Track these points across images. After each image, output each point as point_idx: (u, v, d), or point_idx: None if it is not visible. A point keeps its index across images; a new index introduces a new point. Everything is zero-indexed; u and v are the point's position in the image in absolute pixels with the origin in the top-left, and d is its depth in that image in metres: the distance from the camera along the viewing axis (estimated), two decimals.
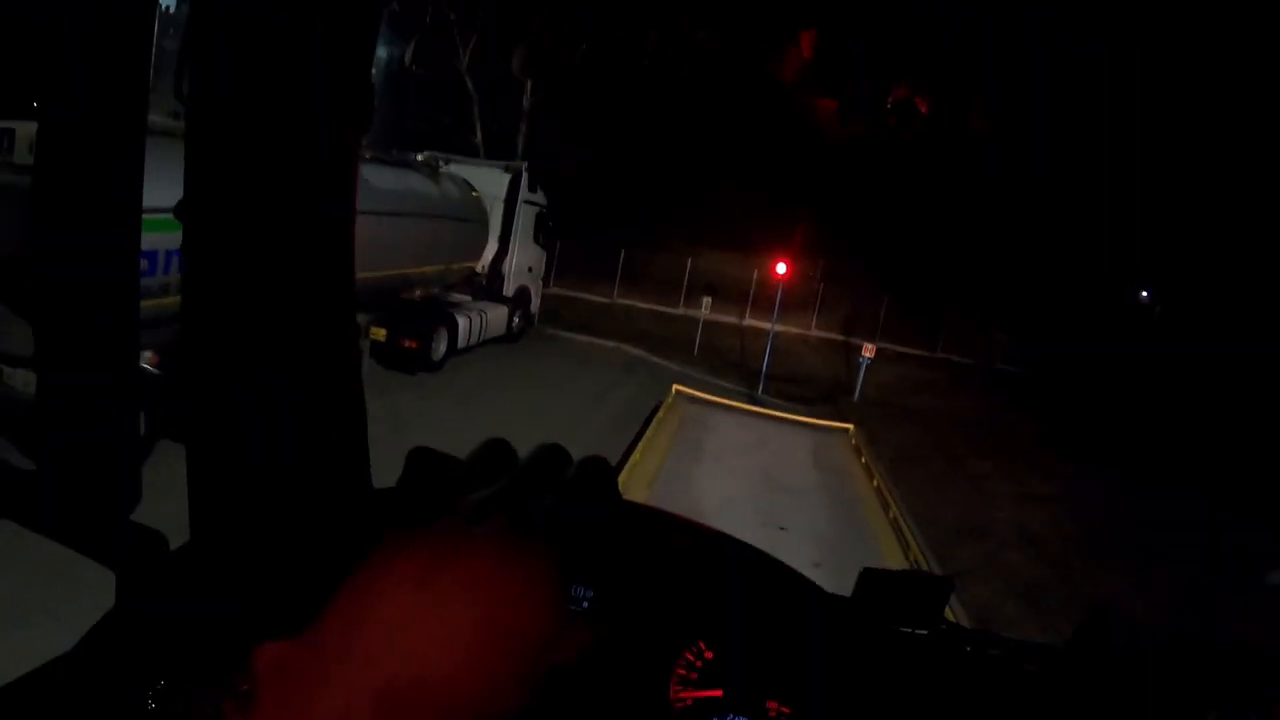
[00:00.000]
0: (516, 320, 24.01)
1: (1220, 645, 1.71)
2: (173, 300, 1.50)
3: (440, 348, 18.93)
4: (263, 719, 0.68)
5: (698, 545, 1.81)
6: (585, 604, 1.66)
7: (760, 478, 14.12)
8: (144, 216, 1.37)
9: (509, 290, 23.45)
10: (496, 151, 34.14)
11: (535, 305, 25.92)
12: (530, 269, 24.54)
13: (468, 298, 22.32)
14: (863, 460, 16.36)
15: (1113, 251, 40.77)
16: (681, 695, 1.63)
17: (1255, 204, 36.62)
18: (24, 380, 9.46)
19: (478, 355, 20.95)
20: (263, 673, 0.70)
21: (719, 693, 1.63)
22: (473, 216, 21.07)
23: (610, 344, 27.43)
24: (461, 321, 19.93)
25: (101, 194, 1.33)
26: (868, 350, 24.29)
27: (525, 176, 23.06)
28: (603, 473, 1.06)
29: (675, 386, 18.60)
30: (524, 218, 23.37)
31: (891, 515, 13.18)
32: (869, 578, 1.85)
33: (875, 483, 14.89)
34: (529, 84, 37.78)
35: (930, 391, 28.25)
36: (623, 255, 35.97)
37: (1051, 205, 42.36)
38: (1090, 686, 1.69)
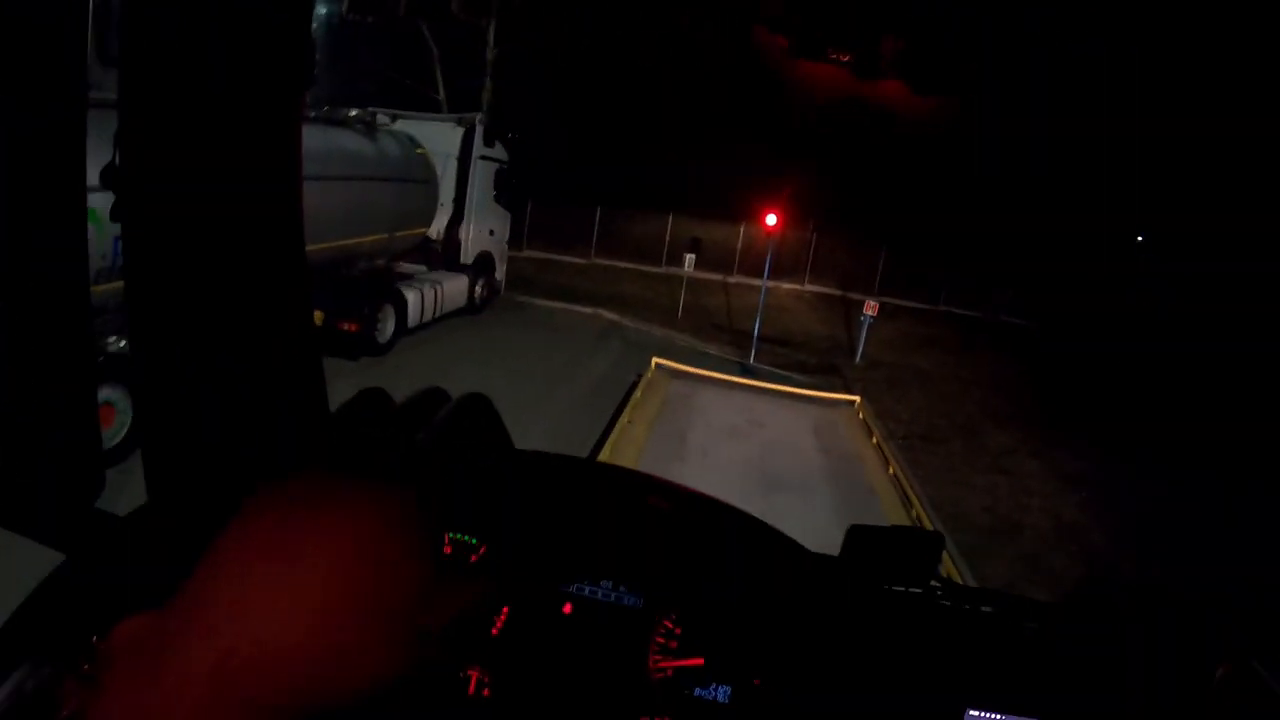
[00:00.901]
0: (479, 290, 21.71)
1: (1225, 604, 1.85)
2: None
3: (386, 328, 16.76)
4: (108, 696, 0.65)
5: (674, 507, 1.82)
6: (471, 555, 1.70)
7: (756, 473, 11.86)
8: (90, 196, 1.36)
9: (468, 257, 21.17)
10: (463, 110, 31.64)
11: (501, 272, 23.47)
12: (492, 232, 22.12)
13: (422, 268, 20.12)
14: (874, 441, 14.09)
15: (1112, 206, 39.65)
16: (661, 665, 1.69)
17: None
18: None
19: (435, 332, 18.67)
20: (115, 649, 0.68)
21: (699, 661, 1.69)
22: (418, 176, 18.62)
23: (586, 309, 25.01)
24: (411, 296, 17.63)
25: (44, 176, 1.33)
26: (870, 307, 21.98)
27: (480, 130, 20.66)
28: (483, 411, 1.18)
29: (655, 359, 16.18)
30: (481, 176, 21.03)
31: (914, 514, 11.07)
32: (857, 535, 1.85)
33: (891, 470, 12.63)
34: (490, 33, 35.12)
35: (936, 348, 26.07)
36: (599, 214, 33.73)
37: (1052, 167, 41.56)
38: (1089, 643, 1.74)
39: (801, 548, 1.78)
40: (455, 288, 20.17)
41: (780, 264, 28.20)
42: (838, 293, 32.84)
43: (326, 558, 0.69)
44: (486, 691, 1.69)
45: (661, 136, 42.34)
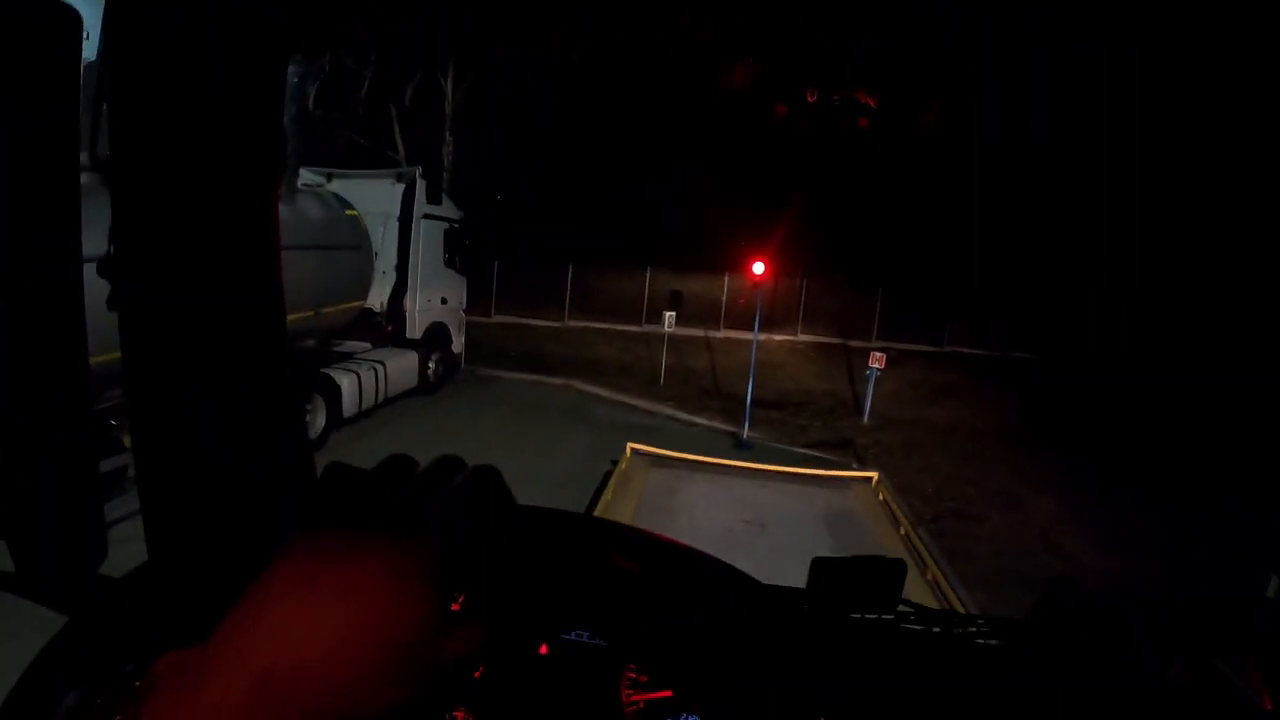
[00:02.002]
0: (433, 366, 19.14)
1: (1181, 600, 1.98)
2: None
3: (316, 421, 14.37)
4: (153, 711, 0.70)
5: (647, 554, 1.88)
6: (452, 603, 1.31)
7: None
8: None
9: (416, 331, 18.54)
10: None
11: (459, 344, 20.83)
12: (445, 300, 19.53)
13: (366, 346, 17.50)
14: (901, 531, 11.43)
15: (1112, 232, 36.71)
16: (633, 699, 1.69)
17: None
18: None
19: (381, 419, 16.19)
20: (160, 673, 0.74)
21: (669, 693, 1.70)
22: (347, 242, 15.97)
23: (557, 381, 22.40)
24: (345, 382, 15.06)
25: (37, 181, 1.35)
26: (875, 359, 19.43)
27: (423, 185, 18.17)
28: (492, 481, 1.08)
29: (630, 446, 13.44)
30: (427, 237, 18.52)
31: None
32: (821, 566, 1.94)
33: (930, 575, 9.94)
34: (449, 85, 32.96)
35: (950, 397, 23.57)
36: (571, 272, 31.20)
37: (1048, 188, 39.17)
38: (1050, 651, 1.87)
39: (757, 583, 1.83)
40: (402, 366, 17.63)
41: (770, 315, 25.91)
42: (835, 341, 30.27)
43: (355, 598, 0.75)
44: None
45: (634, 188, 40.26)
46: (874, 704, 1.65)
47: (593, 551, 1.90)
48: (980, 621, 1.91)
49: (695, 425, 19.14)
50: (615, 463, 12.98)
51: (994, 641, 1.86)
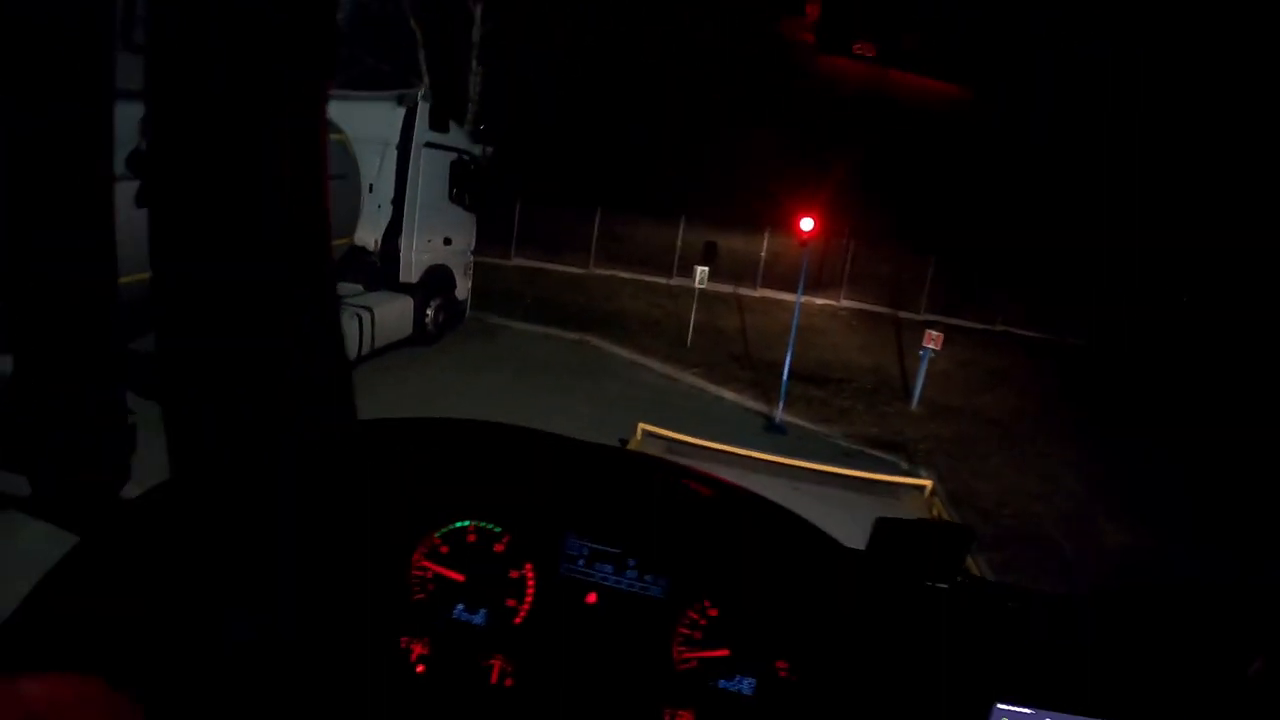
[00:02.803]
0: (431, 314, 17.03)
1: (1259, 592, 1.92)
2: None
3: None
4: None
5: (707, 496, 1.81)
6: (495, 545, 1.86)
7: None
8: None
9: (411, 274, 16.34)
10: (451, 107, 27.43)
11: (464, 289, 18.70)
12: (449, 241, 17.31)
13: (357, 288, 15.40)
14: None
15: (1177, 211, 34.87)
16: (685, 655, 1.75)
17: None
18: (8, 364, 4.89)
19: (362, 375, 13.71)
20: None
21: (725, 652, 1.74)
22: (330, 170, 13.54)
23: (572, 335, 20.14)
24: None
25: (72, 169, 1.48)
26: (931, 339, 17.11)
27: (426, 109, 15.98)
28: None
29: (641, 426, 11.16)
30: (429, 169, 16.25)
31: None
32: (885, 528, 1.84)
33: None
34: (478, 10, 30.55)
35: (1005, 384, 21.26)
36: (599, 216, 28.61)
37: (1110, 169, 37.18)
38: (1119, 636, 1.79)
39: (834, 541, 1.75)
40: (394, 313, 15.62)
41: (813, 276, 23.45)
42: (880, 309, 27.90)
43: None
44: (509, 681, 1.76)
45: (673, 131, 37.78)
46: (937, 675, 1.62)
47: (654, 479, 1.83)
48: (1037, 598, 1.85)
49: (722, 399, 16.97)
50: (623, 444, 10.73)
51: (1052, 618, 1.81)
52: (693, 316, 20.46)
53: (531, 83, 34.40)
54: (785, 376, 15.67)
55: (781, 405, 15.63)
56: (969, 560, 6.59)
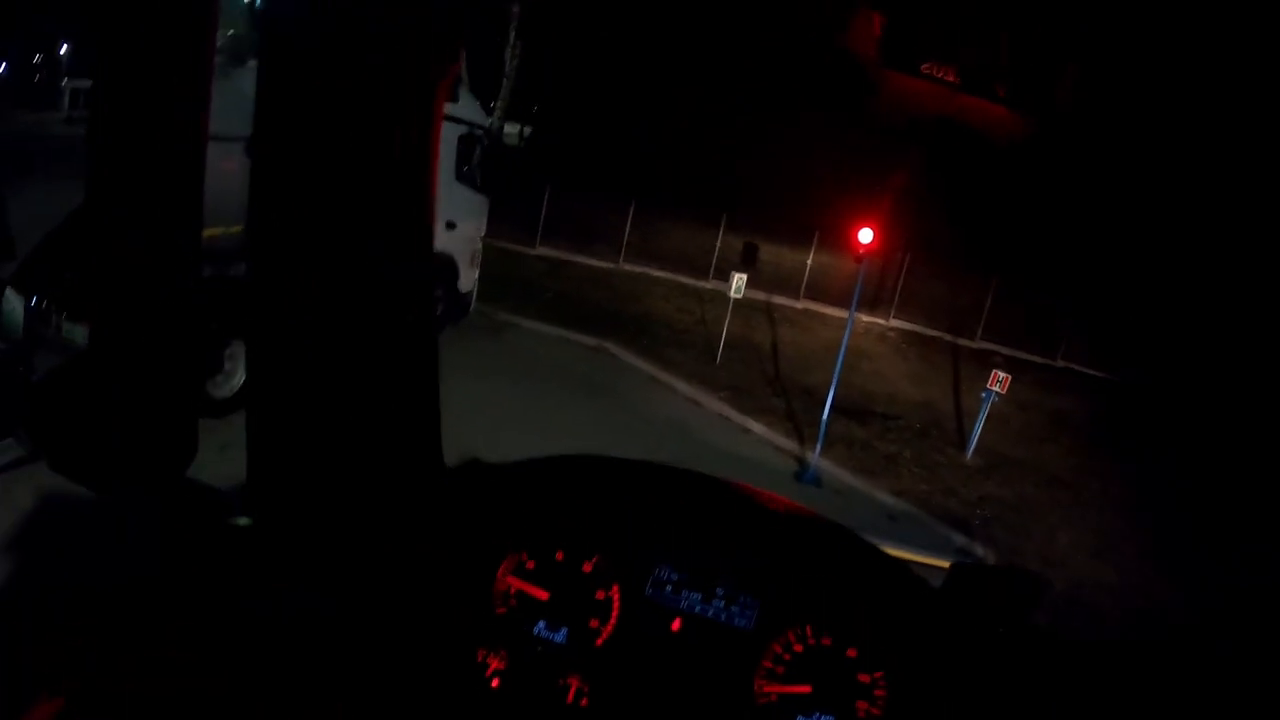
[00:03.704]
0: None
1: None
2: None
3: (235, 376, 10.31)
4: None
5: (800, 527, 1.99)
6: (585, 564, 1.94)
7: None
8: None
9: None
10: (480, 83, 25.36)
11: (469, 280, 16.45)
12: (453, 225, 15.06)
13: None
14: None
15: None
16: (766, 690, 1.79)
17: None
18: (83, 335, 8.26)
19: None
20: None
21: (808, 689, 1.78)
22: None
23: (589, 340, 17.85)
24: None
25: (162, 141, 1.59)
26: (997, 380, 14.74)
27: None
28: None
29: None
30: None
31: None
32: (961, 572, 2.02)
33: None
34: None
35: (1069, 433, 18.86)
36: (633, 208, 26.12)
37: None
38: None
39: (922, 580, 1.83)
40: None
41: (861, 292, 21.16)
42: (932, 333, 25.44)
43: None
44: (585, 701, 1.79)
45: (723, 127, 35.35)
46: None
47: (743, 506, 1.95)
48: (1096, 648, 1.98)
49: (749, 433, 14.71)
50: None
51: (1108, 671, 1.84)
52: (725, 330, 18.16)
53: (574, 62, 32.30)
54: (826, 415, 13.40)
55: (819, 449, 13.34)
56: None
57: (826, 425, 13.49)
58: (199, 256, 1.75)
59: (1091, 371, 25.27)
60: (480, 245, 16.46)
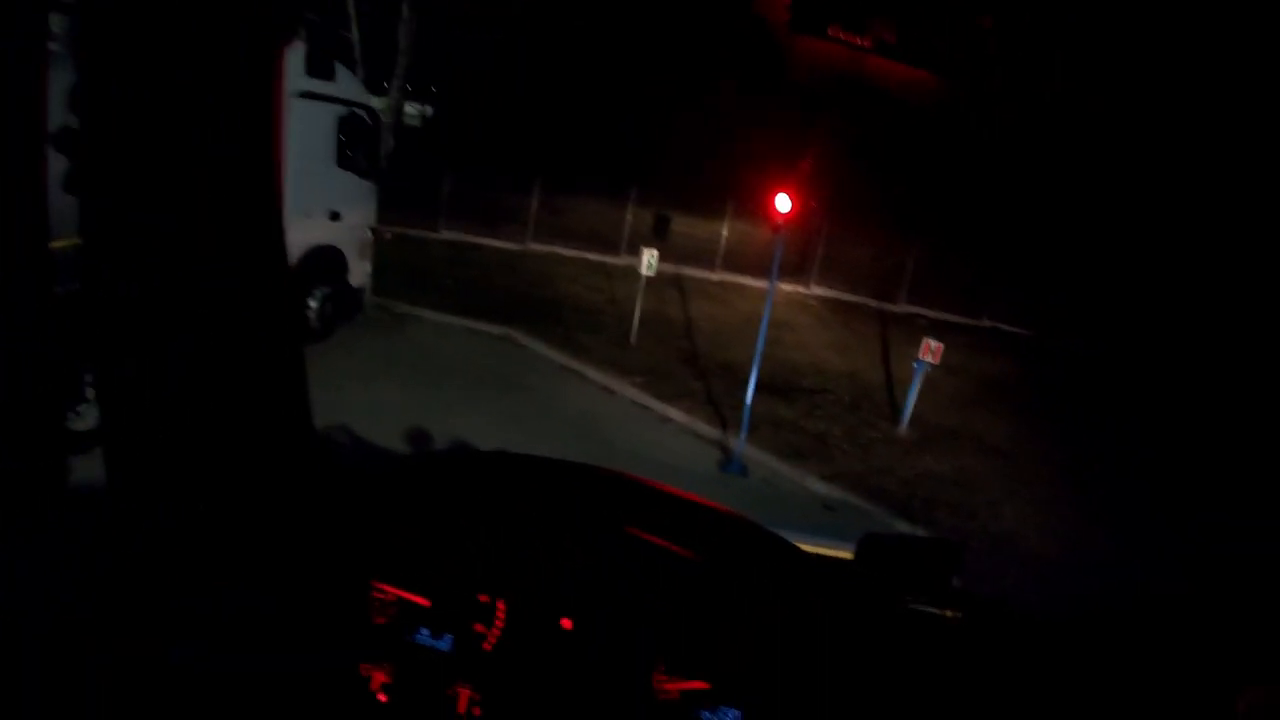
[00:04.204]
0: (315, 305, 13.73)
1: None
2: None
3: (94, 412, 8.59)
4: None
5: (684, 516, 1.91)
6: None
7: None
8: None
9: (289, 258, 12.60)
10: (379, 62, 25.91)
11: (360, 274, 15.31)
12: (335, 215, 13.92)
13: None
14: None
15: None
16: (666, 686, 1.73)
17: None
18: None
19: None
20: None
21: (707, 685, 1.73)
22: None
23: (494, 329, 16.70)
24: None
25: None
26: (930, 350, 14.00)
27: (301, 50, 12.60)
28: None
29: None
30: (305, 125, 12.76)
31: None
32: (872, 543, 2.02)
33: None
34: None
35: (1003, 398, 18.20)
36: (539, 186, 24.94)
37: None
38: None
39: (810, 556, 1.83)
40: None
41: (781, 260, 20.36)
42: (855, 299, 24.73)
43: None
44: (477, 710, 1.72)
45: (630, 99, 34.76)
46: (930, 712, 1.59)
47: (618, 515, 1.83)
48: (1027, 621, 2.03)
49: (668, 421, 13.73)
50: None
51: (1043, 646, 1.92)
52: (638, 309, 17.14)
53: (473, 36, 31.18)
54: (749, 397, 12.45)
55: (743, 436, 12.38)
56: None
57: (750, 408, 12.56)
58: (49, 271, 1.60)
59: (1015, 329, 24.86)
60: (370, 235, 15.30)
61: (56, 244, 1.95)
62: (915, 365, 14.16)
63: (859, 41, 44.84)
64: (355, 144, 14.03)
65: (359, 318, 15.23)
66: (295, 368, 1.89)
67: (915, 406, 14.75)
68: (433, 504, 1.92)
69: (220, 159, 1.48)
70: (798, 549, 1.84)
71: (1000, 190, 32.70)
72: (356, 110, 13.94)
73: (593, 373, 15.11)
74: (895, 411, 15.28)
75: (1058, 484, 13.70)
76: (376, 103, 22.51)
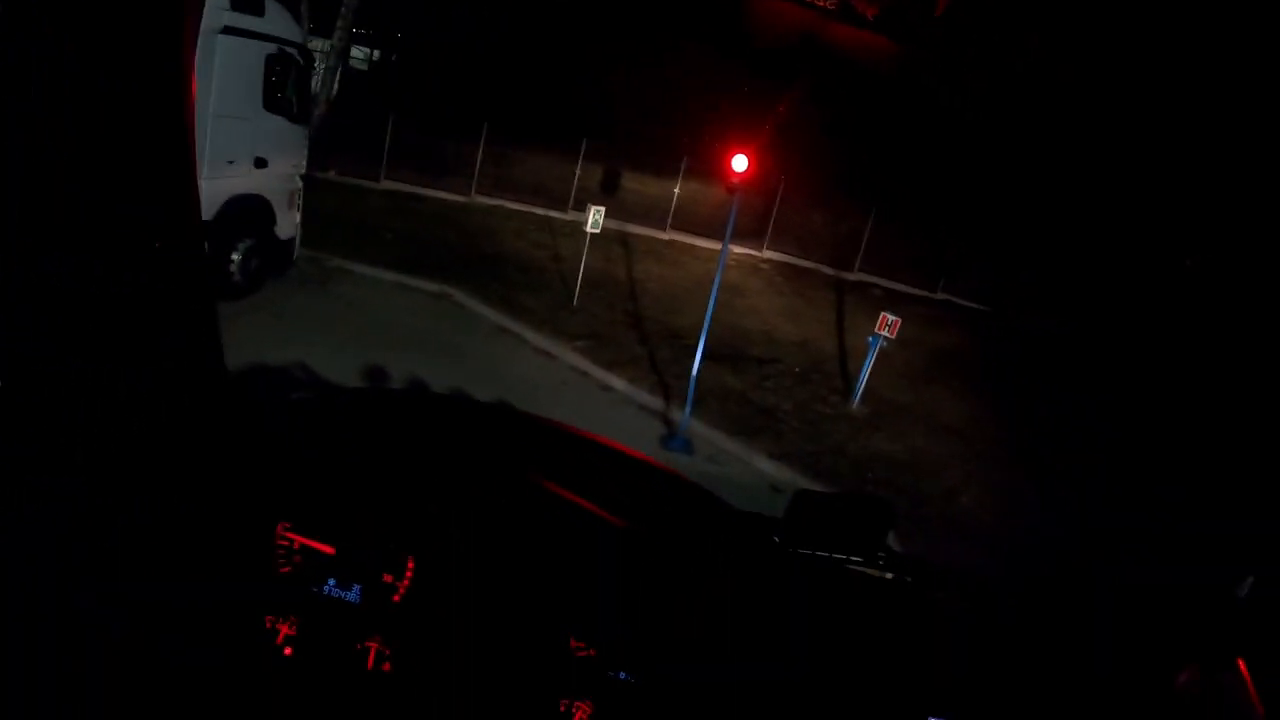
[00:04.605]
0: (239, 259, 12.83)
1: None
2: None
3: None
4: None
5: (615, 470, 1.94)
6: None
7: None
8: None
9: (208, 208, 11.77)
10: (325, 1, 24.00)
11: (290, 225, 14.30)
12: (261, 162, 12.98)
13: None
14: None
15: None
16: (580, 646, 1.72)
17: None
18: None
19: None
20: None
21: (593, 652, 1.71)
22: None
23: (432, 286, 15.91)
24: None
25: None
26: (886, 325, 13.41)
27: None
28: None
29: None
30: (229, 64, 11.83)
31: None
32: (803, 500, 1.94)
33: None
34: None
35: (956, 373, 17.68)
36: (485, 134, 24.04)
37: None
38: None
39: (727, 505, 1.81)
40: None
41: (719, 217, 19.73)
42: (808, 264, 24.18)
43: None
44: (387, 665, 1.67)
45: (584, 48, 33.72)
46: (872, 675, 1.59)
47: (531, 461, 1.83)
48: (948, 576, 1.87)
49: (609, 389, 13.05)
50: None
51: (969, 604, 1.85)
52: (582, 268, 16.40)
53: None
54: (695, 369, 11.79)
55: (688, 409, 11.73)
56: None
57: (697, 379, 11.92)
58: None
59: (969, 304, 24.42)
60: (300, 184, 14.38)
61: None
62: (870, 340, 13.59)
63: (822, 4, 44.14)
64: (285, 85, 13.11)
65: (291, 272, 14.36)
66: (207, 318, 1.70)
67: (869, 381, 14.18)
68: (341, 445, 1.82)
69: (116, 95, 1.31)
70: (727, 505, 1.78)
71: (967, 162, 32.09)
72: (287, 49, 12.99)
73: (532, 335, 14.41)
74: (847, 385, 14.74)
75: (1012, 468, 13.25)
76: (320, 44, 21.59)
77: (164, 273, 1.49)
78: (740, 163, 11.90)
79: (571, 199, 23.84)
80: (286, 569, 1.73)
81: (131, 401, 1.51)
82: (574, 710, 1.65)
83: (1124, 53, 34.11)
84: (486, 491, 1.76)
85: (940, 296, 24.43)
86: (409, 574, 1.72)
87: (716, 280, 12.26)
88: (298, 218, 14.45)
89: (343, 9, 24.44)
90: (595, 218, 15.87)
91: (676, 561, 1.70)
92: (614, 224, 18.82)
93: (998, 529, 10.98)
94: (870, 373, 14.01)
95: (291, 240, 14.43)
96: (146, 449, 1.53)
